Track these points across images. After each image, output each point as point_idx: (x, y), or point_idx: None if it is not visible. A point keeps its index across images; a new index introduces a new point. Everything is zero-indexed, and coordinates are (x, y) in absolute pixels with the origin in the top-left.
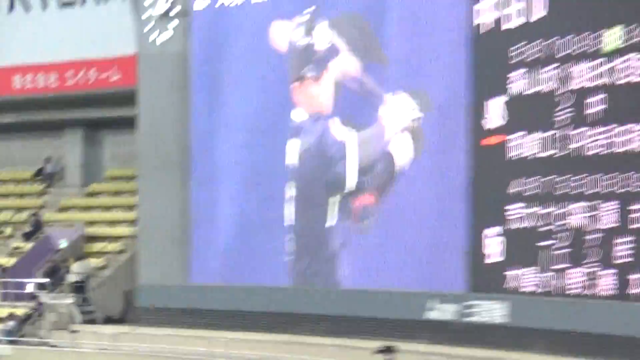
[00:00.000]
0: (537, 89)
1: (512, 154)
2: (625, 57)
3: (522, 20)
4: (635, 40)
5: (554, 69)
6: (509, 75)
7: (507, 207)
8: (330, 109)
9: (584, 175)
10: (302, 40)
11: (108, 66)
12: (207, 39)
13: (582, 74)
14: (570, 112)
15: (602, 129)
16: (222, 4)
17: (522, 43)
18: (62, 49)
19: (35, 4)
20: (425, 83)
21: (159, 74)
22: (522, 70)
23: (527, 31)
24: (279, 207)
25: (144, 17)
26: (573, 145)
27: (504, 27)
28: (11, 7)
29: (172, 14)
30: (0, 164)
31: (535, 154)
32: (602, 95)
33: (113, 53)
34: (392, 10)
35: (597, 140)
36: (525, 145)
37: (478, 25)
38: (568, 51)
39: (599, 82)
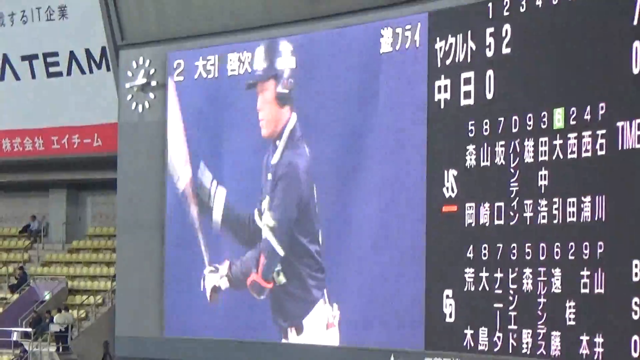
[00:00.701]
0: (489, 162)
1: (469, 221)
2: (568, 136)
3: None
4: (574, 122)
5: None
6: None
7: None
8: None
9: (535, 242)
10: None
11: (91, 132)
12: (184, 108)
13: (531, 150)
14: (520, 184)
15: (547, 201)
16: (201, 75)
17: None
18: (48, 115)
19: (24, 73)
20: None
21: (138, 141)
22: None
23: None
24: None
25: (125, 87)
26: (525, 215)
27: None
28: (2, 75)
29: (152, 85)
30: None
31: (490, 222)
32: (547, 171)
33: (95, 120)
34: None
35: (546, 211)
36: (481, 213)
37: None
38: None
39: (545, 158)
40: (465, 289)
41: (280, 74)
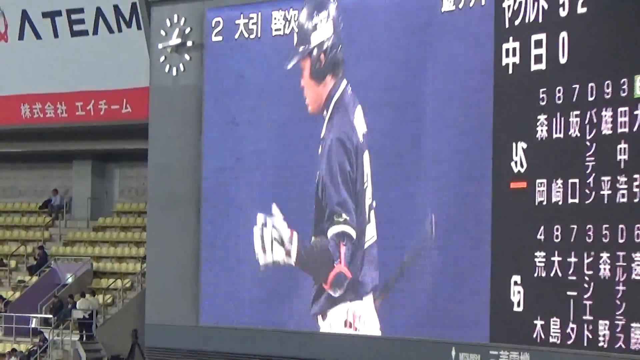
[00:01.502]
0: (562, 134)
1: (540, 199)
2: None
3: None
4: None
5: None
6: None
7: (535, 254)
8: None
9: (614, 224)
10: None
11: (119, 98)
12: (223, 71)
13: (609, 121)
14: (597, 159)
15: (627, 177)
16: (242, 35)
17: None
18: (72, 78)
19: (46, 31)
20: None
21: (172, 108)
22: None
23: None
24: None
25: (158, 48)
26: (602, 193)
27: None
28: (21, 34)
29: (187, 45)
30: (6, 195)
31: (563, 200)
32: (627, 144)
33: (124, 84)
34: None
35: (626, 188)
36: (553, 191)
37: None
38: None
39: (625, 129)
40: (536, 275)
41: (318, 47)
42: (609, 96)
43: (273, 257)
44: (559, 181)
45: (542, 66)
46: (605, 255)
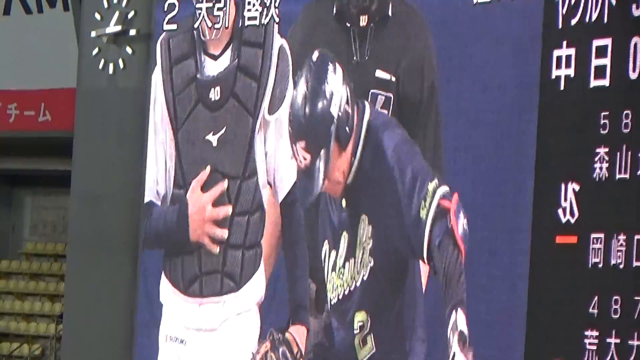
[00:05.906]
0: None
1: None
2: None
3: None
4: None
5: None
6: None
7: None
8: None
9: None
10: None
11: (35, 101)
12: (177, 71)
13: None
14: None
15: None
16: (204, 23)
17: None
18: None
19: None
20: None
21: (106, 117)
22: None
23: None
24: None
25: (90, 36)
26: None
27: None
28: None
29: (129, 34)
30: None
31: (626, 263)
32: None
33: (43, 84)
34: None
35: None
36: (613, 249)
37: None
38: None
39: None
40: None
41: None
42: None
43: None
44: (622, 237)
45: (606, 81)
46: None
